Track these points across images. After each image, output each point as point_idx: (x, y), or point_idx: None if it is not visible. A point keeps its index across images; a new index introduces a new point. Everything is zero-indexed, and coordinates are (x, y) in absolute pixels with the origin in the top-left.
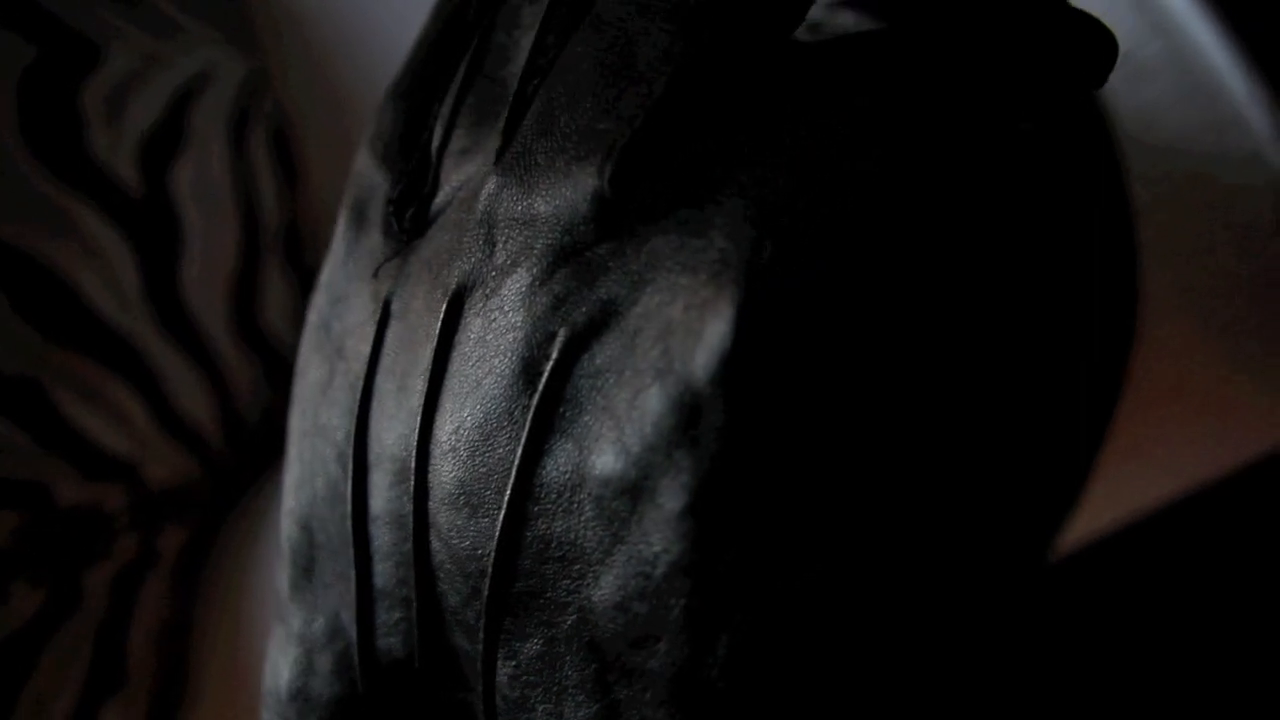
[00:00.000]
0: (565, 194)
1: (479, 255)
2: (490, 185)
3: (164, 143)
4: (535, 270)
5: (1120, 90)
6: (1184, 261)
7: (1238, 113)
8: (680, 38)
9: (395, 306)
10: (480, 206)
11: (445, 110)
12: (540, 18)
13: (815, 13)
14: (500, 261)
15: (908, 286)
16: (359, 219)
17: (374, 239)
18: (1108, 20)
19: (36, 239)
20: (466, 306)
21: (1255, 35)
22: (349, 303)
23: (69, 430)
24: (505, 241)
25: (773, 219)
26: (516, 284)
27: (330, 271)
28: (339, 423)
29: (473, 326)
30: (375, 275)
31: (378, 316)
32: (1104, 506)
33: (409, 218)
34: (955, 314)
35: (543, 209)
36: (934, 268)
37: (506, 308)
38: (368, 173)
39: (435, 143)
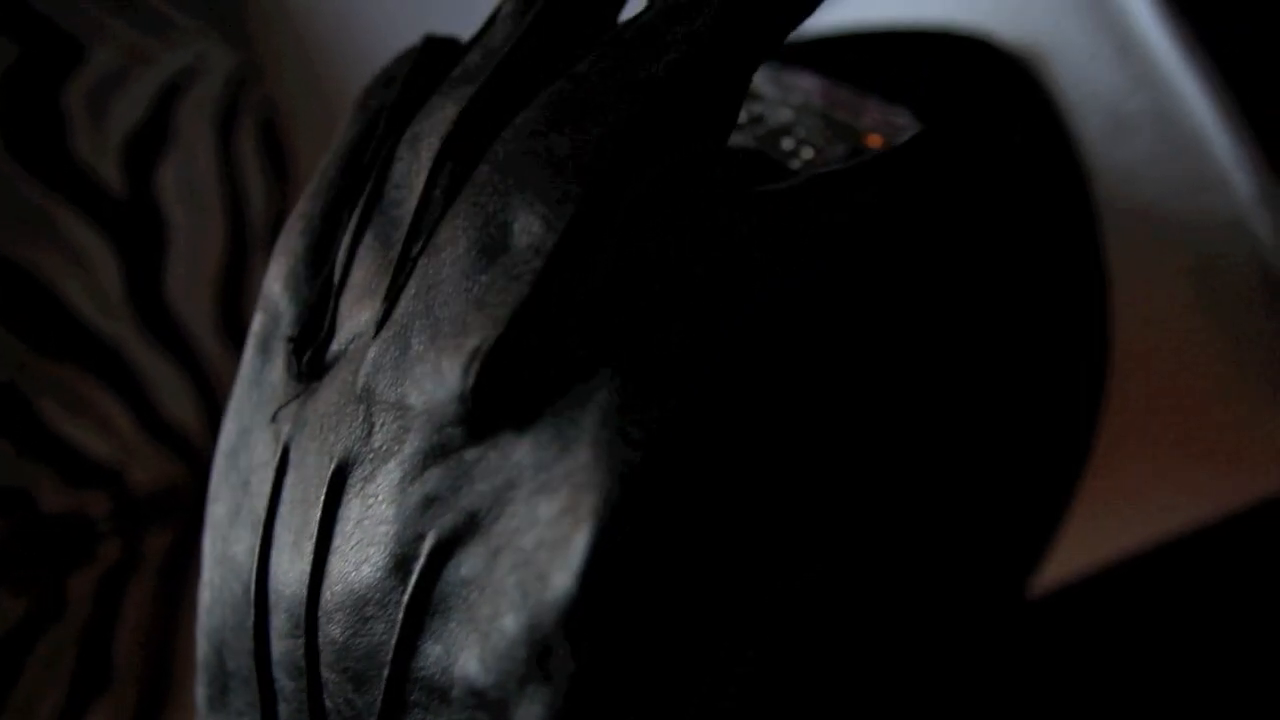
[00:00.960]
0: (434, 391)
1: (358, 432)
2: (370, 358)
3: (148, 142)
4: (406, 466)
5: (1101, 145)
6: (1157, 329)
7: (1222, 174)
8: (553, 230)
9: (293, 455)
10: (360, 380)
11: (347, 240)
12: (430, 164)
13: (763, 77)
14: (377, 445)
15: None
16: (264, 347)
17: (276, 373)
18: (1092, 71)
19: (18, 244)
20: (348, 484)
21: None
22: (254, 436)
23: (52, 437)
24: (381, 425)
25: (642, 416)
26: (390, 476)
27: (238, 399)
28: (244, 560)
29: (353, 508)
30: (274, 419)
31: (276, 462)
32: (1078, 550)
33: (306, 361)
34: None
35: (414, 401)
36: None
37: (381, 498)
38: (273, 296)
39: (336, 278)
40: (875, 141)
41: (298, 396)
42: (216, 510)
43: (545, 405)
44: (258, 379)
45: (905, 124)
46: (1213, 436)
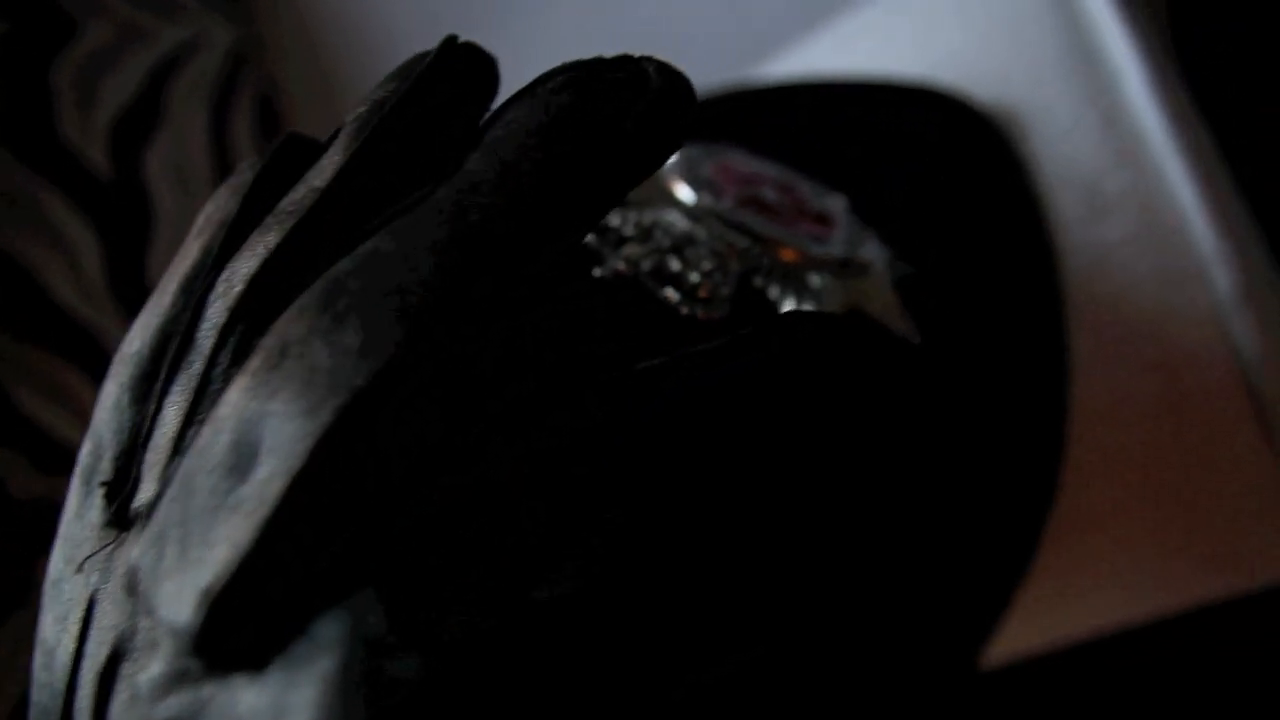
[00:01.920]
0: (174, 618)
1: (128, 623)
2: (135, 551)
3: (137, 123)
4: (155, 683)
5: (1075, 223)
6: (1122, 425)
7: (1202, 266)
8: (293, 458)
9: (95, 612)
10: (128, 570)
11: (159, 385)
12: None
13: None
14: (139, 642)
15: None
16: (86, 480)
17: (94, 512)
18: (1073, 141)
19: (4, 228)
20: (119, 674)
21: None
22: (72, 569)
23: (25, 423)
24: (142, 625)
25: (385, 668)
26: (144, 684)
27: (65, 526)
28: (49, 704)
29: (121, 696)
30: (81, 568)
31: (82, 613)
32: (1033, 628)
33: (113, 510)
34: None
35: (163, 614)
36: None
37: (140, 699)
38: (98, 426)
39: (145, 426)
40: (788, 255)
41: (108, 545)
42: (41, 630)
43: (283, 644)
44: (80, 512)
45: (837, 215)
46: (1176, 536)
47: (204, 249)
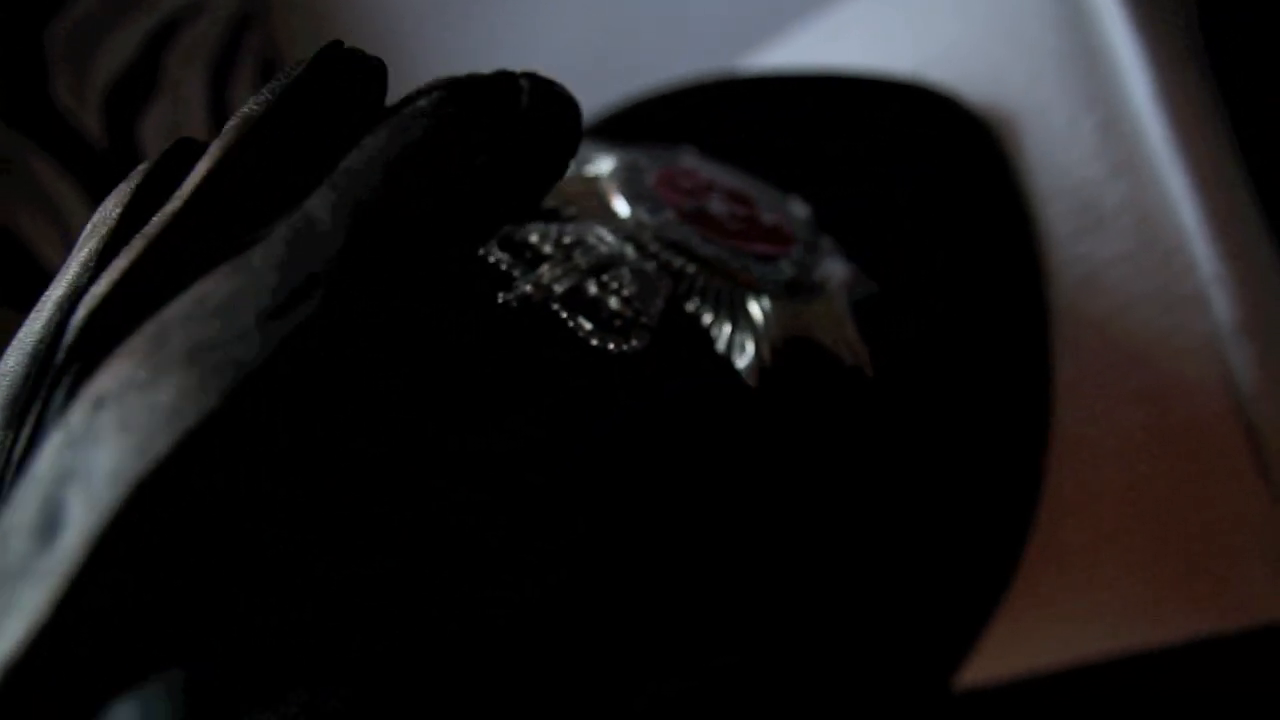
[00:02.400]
0: None
1: None
2: None
3: (133, 88)
4: None
5: (1064, 235)
6: (1107, 453)
7: (1200, 290)
8: (87, 552)
9: None
10: None
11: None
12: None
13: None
14: None
15: None
16: None
17: None
18: (1067, 148)
19: None
20: None
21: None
22: None
23: None
24: None
25: None
26: None
27: None
28: None
29: None
30: None
31: None
32: (1009, 652)
33: None
34: None
35: None
36: None
37: None
38: None
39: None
40: (726, 278)
41: None
42: None
43: None
44: None
45: (794, 228)
46: (1161, 572)
47: (83, 262)
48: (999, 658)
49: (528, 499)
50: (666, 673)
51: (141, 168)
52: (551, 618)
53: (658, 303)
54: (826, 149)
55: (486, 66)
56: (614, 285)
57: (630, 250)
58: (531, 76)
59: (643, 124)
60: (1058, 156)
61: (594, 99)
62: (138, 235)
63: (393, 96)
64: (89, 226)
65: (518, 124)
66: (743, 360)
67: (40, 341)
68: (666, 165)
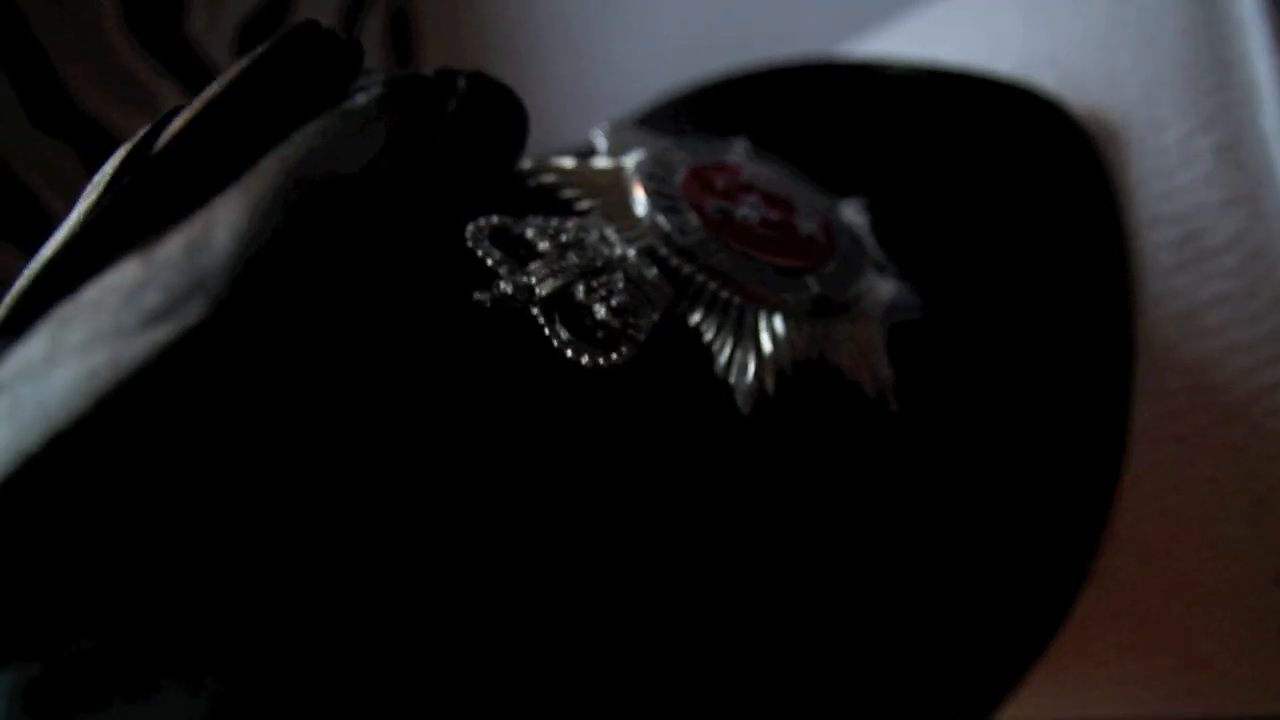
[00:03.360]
0: None
1: None
2: None
3: (265, 25)
4: None
5: (1162, 268)
6: (1168, 516)
7: None
8: None
9: None
10: None
11: None
12: None
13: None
14: None
15: None
16: None
17: None
18: (1178, 169)
19: (113, 111)
20: None
21: None
22: None
23: None
24: None
25: None
26: None
27: None
28: None
29: None
30: None
31: None
32: (1042, 704)
33: None
34: None
35: None
36: None
37: None
38: None
39: None
40: (739, 293)
41: None
42: None
43: None
44: None
45: (838, 237)
46: (1227, 639)
47: (71, 225)
48: (1032, 707)
49: (445, 526)
50: None
51: (141, 131)
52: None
53: (650, 314)
54: (904, 148)
55: (602, 29)
56: (603, 292)
57: (633, 254)
58: (472, 75)
59: (714, 108)
60: (1167, 178)
61: (699, 70)
62: (91, 204)
63: (526, 55)
64: (89, 187)
65: (449, 124)
66: (741, 383)
67: None
68: (703, 160)
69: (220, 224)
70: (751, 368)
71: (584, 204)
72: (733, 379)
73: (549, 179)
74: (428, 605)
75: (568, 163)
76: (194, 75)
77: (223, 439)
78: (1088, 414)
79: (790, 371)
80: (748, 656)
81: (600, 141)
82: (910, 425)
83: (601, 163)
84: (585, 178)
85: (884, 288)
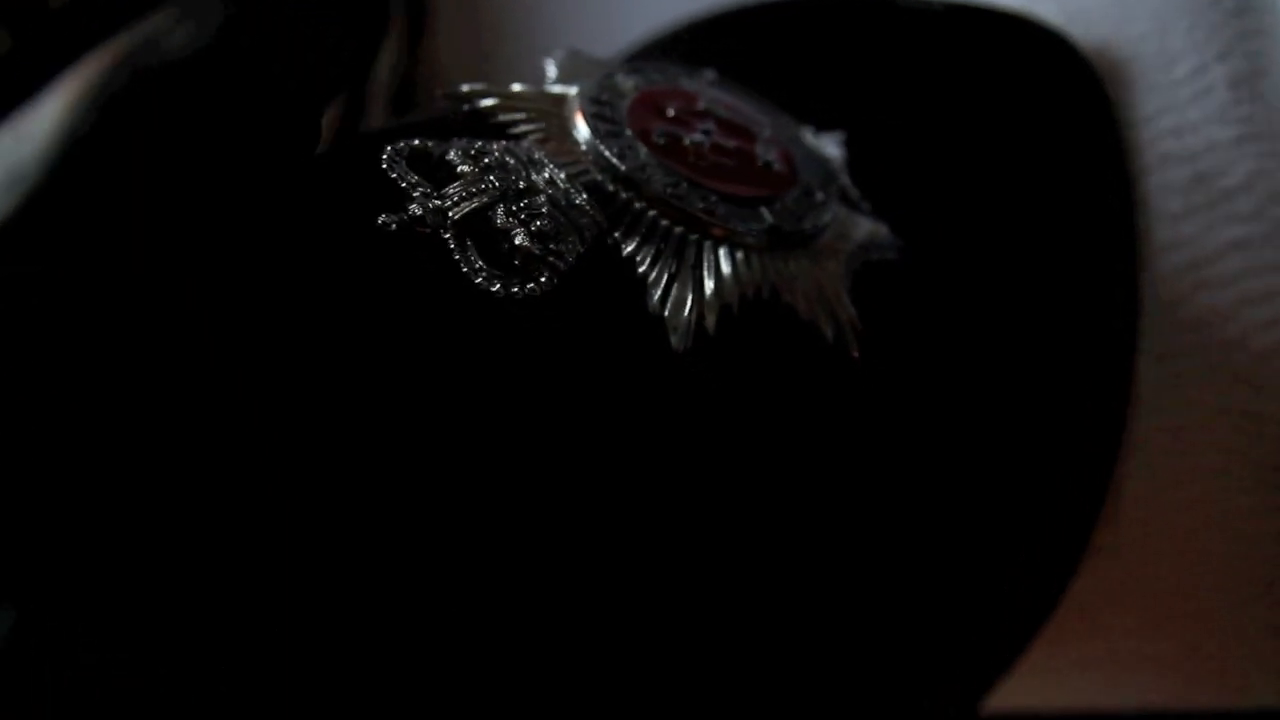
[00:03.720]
0: None
1: None
2: None
3: None
4: None
5: (1173, 216)
6: (1178, 483)
7: None
8: None
9: None
10: None
11: None
12: None
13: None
14: None
15: None
16: None
17: None
18: (1190, 104)
19: None
20: None
21: None
22: None
23: None
24: None
25: None
26: None
27: None
28: None
29: None
30: None
31: None
32: (1037, 687)
33: None
34: None
35: None
36: None
37: None
38: None
39: None
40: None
41: None
42: None
43: None
44: None
45: (806, 167)
46: (1238, 621)
47: None
48: (1031, 689)
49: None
50: None
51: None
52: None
53: (576, 242)
54: (893, 81)
55: None
56: (524, 216)
57: (563, 178)
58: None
59: (702, 41)
60: (1177, 114)
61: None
62: None
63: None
64: None
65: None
66: (676, 319)
67: None
68: (656, 86)
69: (42, 114)
70: (689, 302)
71: (521, 129)
72: (667, 314)
73: (486, 103)
74: (287, 556)
75: (511, 88)
76: None
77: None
78: (1085, 374)
79: (736, 309)
80: (681, 629)
81: (550, 70)
82: (876, 375)
83: (547, 89)
84: (526, 103)
85: (856, 224)
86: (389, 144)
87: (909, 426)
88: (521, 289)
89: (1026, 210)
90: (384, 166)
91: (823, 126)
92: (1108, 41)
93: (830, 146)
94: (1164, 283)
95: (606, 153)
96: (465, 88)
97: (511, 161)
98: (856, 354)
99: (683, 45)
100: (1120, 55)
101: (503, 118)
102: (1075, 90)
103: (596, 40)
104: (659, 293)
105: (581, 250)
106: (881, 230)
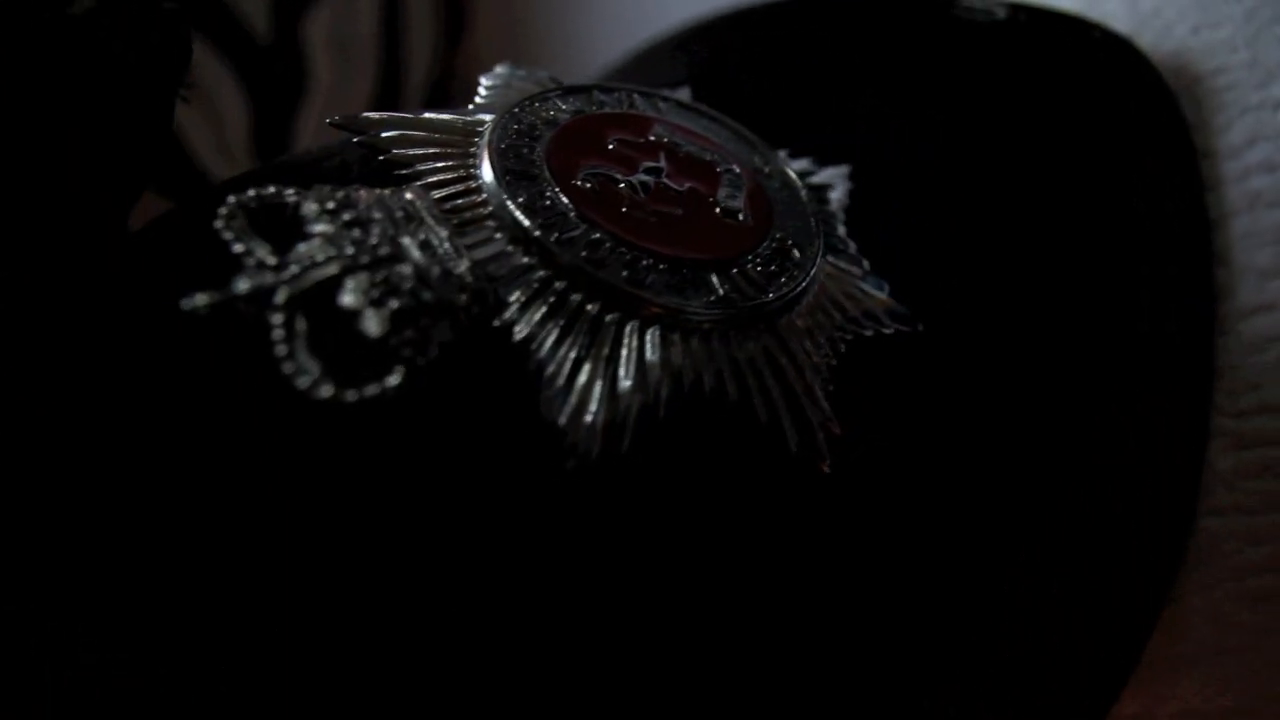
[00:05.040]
0: None
1: None
2: None
3: None
4: None
5: (1259, 275)
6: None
7: None
8: None
9: None
10: None
11: None
12: None
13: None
14: None
15: None
16: None
17: None
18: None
19: None
20: None
21: None
22: None
23: None
24: None
25: None
26: None
27: None
28: None
29: None
30: None
31: None
32: None
33: None
34: None
35: None
36: None
37: None
38: None
39: None
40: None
41: None
42: None
43: None
44: None
45: (765, 219)
46: None
47: None
48: None
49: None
50: None
51: None
52: None
53: (444, 326)
54: (918, 100)
55: None
56: (378, 294)
57: (444, 238)
58: None
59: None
60: (1271, 144)
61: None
62: None
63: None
64: None
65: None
66: (576, 428)
67: None
68: (601, 110)
69: None
70: (595, 405)
71: (422, 169)
72: (564, 421)
73: (387, 134)
74: None
75: (420, 115)
76: (225, 33)
77: None
78: (1146, 461)
79: (663, 412)
80: None
81: (480, 90)
82: (854, 497)
83: (463, 117)
84: (432, 135)
85: (848, 288)
86: (235, 193)
87: (891, 567)
88: (360, 391)
89: (1074, 268)
90: (219, 225)
91: (832, 153)
92: (1186, 50)
93: (832, 182)
94: (1247, 353)
95: (510, 204)
96: (365, 115)
97: (379, 217)
98: (827, 468)
99: (692, 49)
100: (1202, 68)
101: (398, 154)
102: (1142, 111)
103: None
104: (556, 393)
105: (451, 337)
106: (882, 295)
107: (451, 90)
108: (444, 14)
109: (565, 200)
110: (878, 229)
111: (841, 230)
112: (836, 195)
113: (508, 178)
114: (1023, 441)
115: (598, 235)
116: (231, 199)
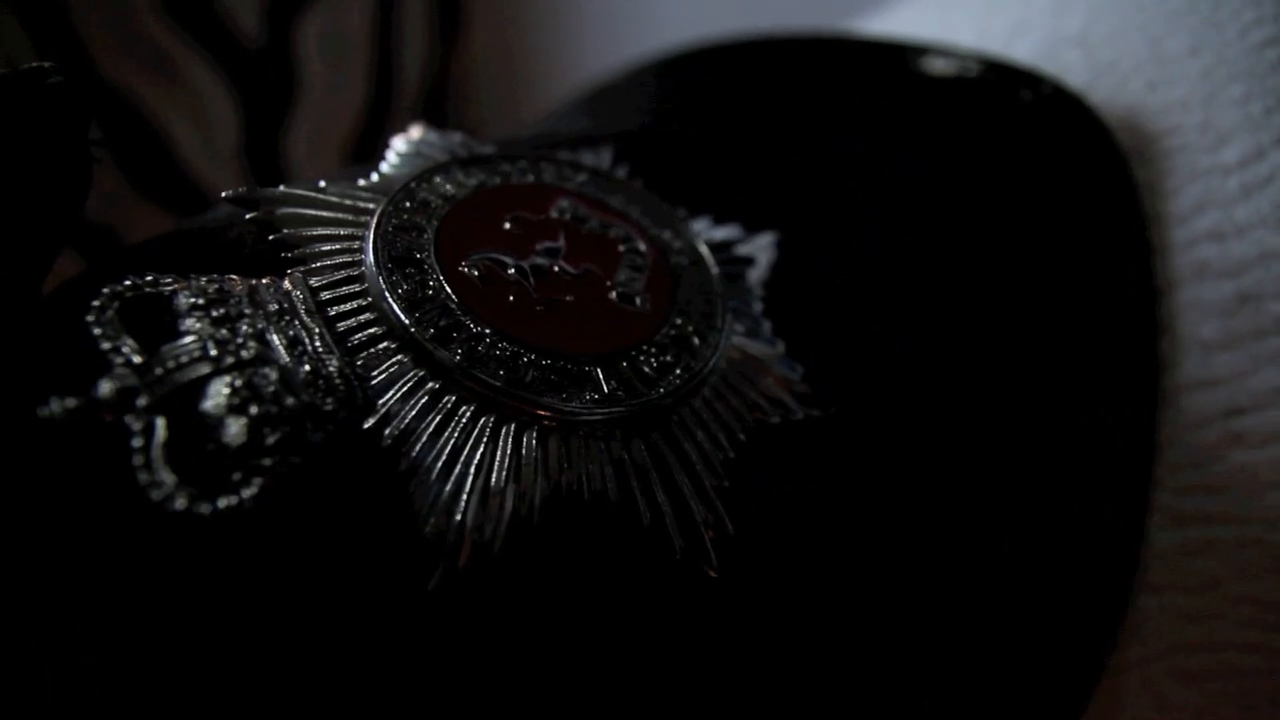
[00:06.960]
0: None
1: None
2: None
3: None
4: None
5: (1207, 345)
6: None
7: None
8: None
9: None
10: None
11: None
12: None
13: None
14: None
15: None
16: None
17: None
18: (1240, 201)
19: (135, 79)
20: None
21: None
22: None
23: None
24: None
25: None
26: None
27: None
28: None
29: None
30: None
31: None
32: None
33: None
34: None
35: None
36: None
37: None
38: None
39: None
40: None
41: None
42: None
43: None
44: None
45: (661, 304)
46: None
47: None
48: None
49: None
50: None
51: None
52: None
53: (307, 431)
54: (857, 158)
55: None
56: (240, 399)
57: (316, 335)
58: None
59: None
60: (1220, 212)
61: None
62: None
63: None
64: None
65: None
66: (443, 535)
67: None
68: (504, 184)
69: None
70: (464, 513)
71: (312, 250)
72: (429, 529)
73: (281, 212)
74: None
75: (315, 187)
76: (217, 39)
77: None
78: (1082, 541)
79: (536, 518)
80: None
81: (391, 155)
82: (744, 604)
83: (359, 191)
84: (325, 212)
85: (755, 372)
86: (110, 283)
87: (783, 677)
88: (214, 503)
89: (1009, 340)
90: (89, 319)
91: (765, 213)
92: (1141, 108)
93: (756, 254)
94: (1190, 429)
95: (389, 296)
96: (262, 190)
97: (249, 312)
98: (714, 573)
99: (645, 88)
100: (1155, 127)
101: (289, 233)
102: (1090, 171)
103: (626, 38)
104: (424, 502)
105: (317, 442)
106: (794, 379)
107: (446, 95)
108: (439, 19)
109: (448, 290)
110: (803, 300)
111: (758, 308)
112: (759, 267)
113: (389, 265)
114: (934, 529)
115: (477, 330)
116: (106, 290)
